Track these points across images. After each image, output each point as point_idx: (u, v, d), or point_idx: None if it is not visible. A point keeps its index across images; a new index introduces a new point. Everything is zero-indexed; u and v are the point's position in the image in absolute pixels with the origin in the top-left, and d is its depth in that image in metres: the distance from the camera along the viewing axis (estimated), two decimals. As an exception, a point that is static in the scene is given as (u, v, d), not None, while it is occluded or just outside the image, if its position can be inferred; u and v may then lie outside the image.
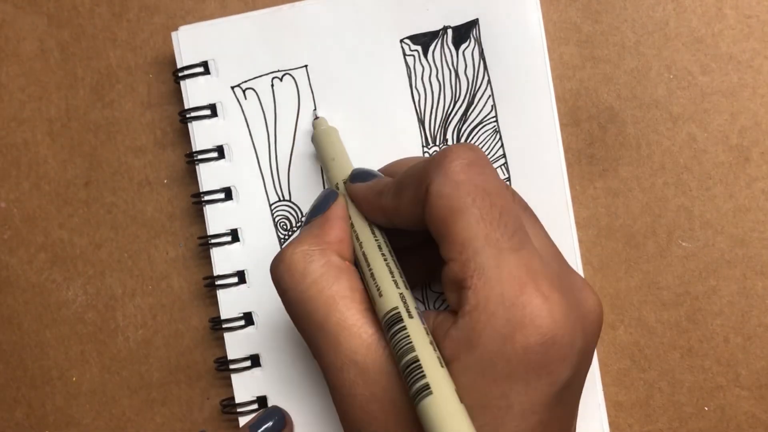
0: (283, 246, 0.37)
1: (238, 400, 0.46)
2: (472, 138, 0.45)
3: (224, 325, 0.46)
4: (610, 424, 0.45)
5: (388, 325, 0.33)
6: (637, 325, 0.45)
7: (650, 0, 0.45)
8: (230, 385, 0.46)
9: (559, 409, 0.32)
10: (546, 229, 0.37)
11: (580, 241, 0.45)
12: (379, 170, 0.41)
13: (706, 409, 0.45)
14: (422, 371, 0.31)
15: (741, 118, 0.44)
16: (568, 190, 0.44)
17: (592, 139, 0.45)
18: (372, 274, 0.36)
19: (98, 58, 0.48)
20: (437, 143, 0.45)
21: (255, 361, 0.46)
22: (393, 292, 0.34)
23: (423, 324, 0.33)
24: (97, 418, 0.48)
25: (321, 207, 0.39)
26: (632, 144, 0.45)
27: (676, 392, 0.45)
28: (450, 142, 0.45)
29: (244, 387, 0.46)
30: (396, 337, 0.33)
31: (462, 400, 0.31)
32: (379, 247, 0.37)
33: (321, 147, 0.43)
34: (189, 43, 0.46)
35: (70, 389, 0.48)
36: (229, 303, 0.46)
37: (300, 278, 0.36)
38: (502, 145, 0.45)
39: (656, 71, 0.45)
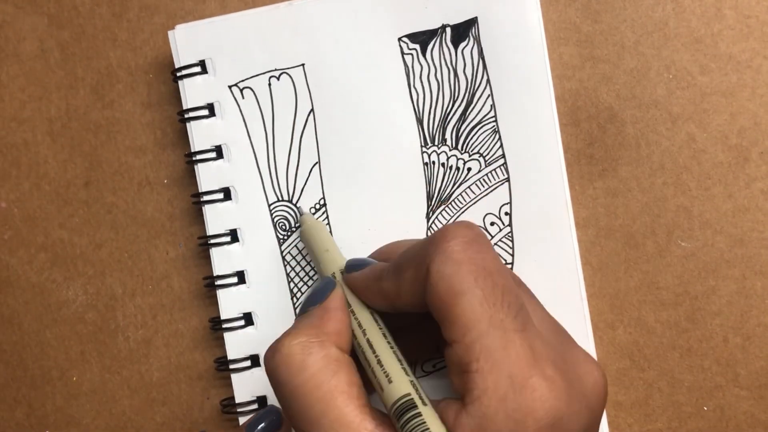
0: (278, 336, 0.36)
1: (238, 400, 0.46)
2: (472, 137, 0.45)
3: (224, 325, 0.46)
4: (610, 423, 0.45)
5: (400, 413, 0.33)
6: (636, 325, 0.45)
7: (650, 0, 0.45)
8: (230, 385, 0.46)
9: None
10: (541, 303, 0.37)
11: (580, 241, 0.45)
12: (370, 255, 0.41)
13: (706, 408, 0.45)
14: None
15: (740, 118, 0.44)
16: (568, 190, 0.44)
17: (591, 139, 0.45)
18: (379, 361, 0.35)
19: (98, 58, 0.48)
20: (436, 143, 0.45)
21: (255, 360, 0.46)
22: (404, 379, 0.34)
23: (435, 411, 0.33)
24: (97, 418, 0.48)
25: (318, 296, 0.38)
26: (632, 144, 0.45)
27: (676, 392, 0.45)
28: (449, 142, 0.45)
29: (244, 387, 0.46)
30: (410, 424, 0.32)
31: None
32: (384, 335, 0.36)
33: (311, 240, 0.43)
34: (186, 41, 0.46)
35: (71, 389, 0.48)
36: (229, 303, 0.46)
37: (297, 371, 0.34)
38: (501, 145, 0.45)
39: (656, 71, 0.45)
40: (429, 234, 0.45)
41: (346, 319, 0.37)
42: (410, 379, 0.34)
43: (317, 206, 0.46)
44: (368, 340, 0.36)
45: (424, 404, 0.33)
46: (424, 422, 0.32)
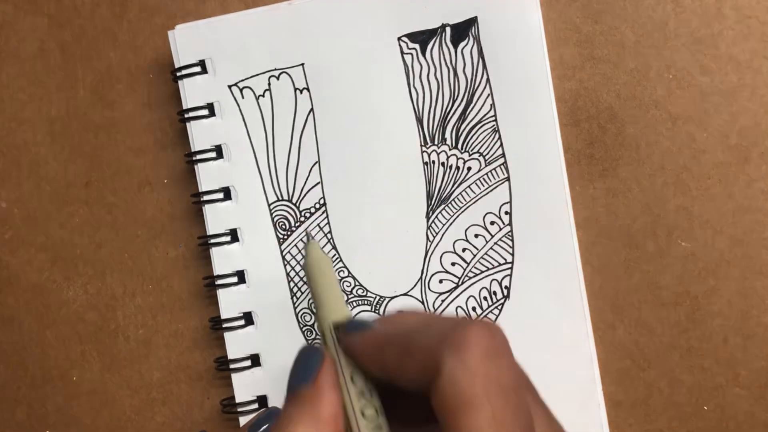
0: (273, 427, 0.35)
1: (238, 400, 0.46)
2: (472, 137, 0.45)
3: (224, 325, 0.46)
4: (610, 423, 0.45)
5: None
6: (636, 324, 0.45)
7: (650, 0, 0.45)
8: (230, 385, 0.46)
9: None
10: (546, 406, 0.36)
11: (580, 241, 0.45)
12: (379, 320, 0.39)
13: (706, 408, 0.45)
14: None
15: (740, 118, 0.44)
16: (568, 190, 0.44)
17: (591, 139, 0.45)
18: None
19: (98, 58, 0.48)
20: (436, 142, 0.45)
21: (255, 360, 0.46)
22: None
23: None
24: (97, 418, 0.48)
25: (307, 372, 0.36)
26: (632, 144, 0.45)
27: (676, 392, 0.45)
28: (449, 142, 0.45)
29: (244, 387, 0.46)
30: None
31: None
32: (376, 410, 0.35)
33: (312, 279, 0.42)
34: (186, 41, 0.46)
35: (71, 389, 0.48)
36: (229, 303, 0.46)
37: None
38: (501, 145, 0.45)
39: (656, 71, 0.45)
40: (428, 234, 0.45)
41: (339, 400, 0.35)
42: None
43: (317, 206, 0.46)
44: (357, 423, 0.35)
45: None
46: None
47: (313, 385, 0.35)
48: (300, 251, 0.46)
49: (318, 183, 0.46)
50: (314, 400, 0.35)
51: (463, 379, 0.31)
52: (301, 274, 0.46)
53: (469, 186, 0.45)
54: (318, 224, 0.46)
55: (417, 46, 0.45)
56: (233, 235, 0.46)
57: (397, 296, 0.45)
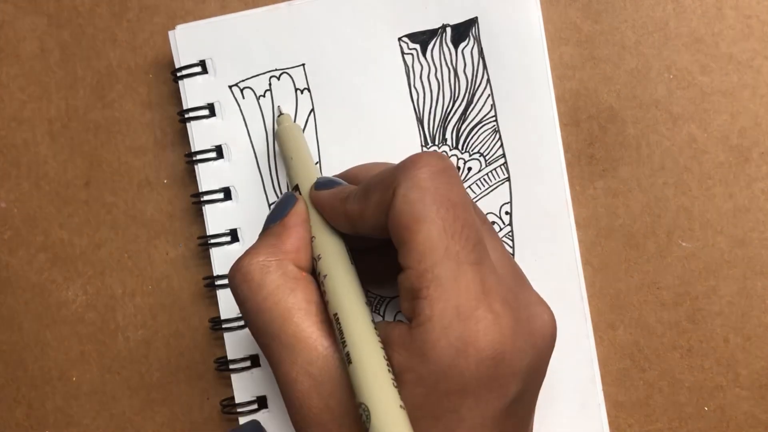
0: (240, 255, 0.37)
1: (238, 400, 0.46)
2: (472, 137, 0.45)
3: (224, 325, 0.46)
4: (610, 424, 0.45)
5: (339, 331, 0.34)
6: (637, 325, 0.45)
7: (650, 0, 0.45)
8: (230, 385, 0.46)
9: (509, 423, 0.33)
10: (503, 242, 0.38)
11: (580, 241, 0.45)
12: (337, 175, 0.41)
13: (706, 409, 0.45)
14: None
15: (741, 118, 0.44)
16: (568, 190, 0.44)
17: (592, 139, 0.45)
18: (334, 290, 0.35)
19: (98, 58, 0.48)
20: (436, 143, 0.45)
21: (255, 361, 0.46)
22: (356, 308, 0.34)
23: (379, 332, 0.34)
24: (97, 418, 0.48)
25: (279, 213, 0.39)
26: (632, 144, 0.45)
27: (676, 392, 0.45)
28: (449, 142, 0.45)
29: (244, 387, 0.46)
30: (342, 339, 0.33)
31: (413, 411, 0.31)
32: (344, 259, 0.36)
33: (283, 145, 0.43)
34: (186, 41, 0.46)
35: (70, 389, 0.48)
36: (229, 303, 0.46)
37: (257, 289, 0.36)
38: (501, 145, 0.45)
39: (656, 71, 0.45)
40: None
41: (305, 235, 0.38)
42: (363, 307, 0.34)
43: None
44: (325, 268, 0.36)
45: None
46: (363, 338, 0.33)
47: (281, 222, 0.38)
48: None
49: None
50: (280, 234, 0.37)
51: (415, 197, 0.33)
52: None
53: (469, 186, 0.45)
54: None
55: (417, 46, 0.45)
56: (233, 235, 0.46)
57: (397, 296, 0.45)
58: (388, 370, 0.32)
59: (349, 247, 0.38)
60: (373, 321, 0.34)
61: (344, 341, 0.33)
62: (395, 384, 0.32)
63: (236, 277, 0.36)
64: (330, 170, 0.46)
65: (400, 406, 0.31)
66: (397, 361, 0.32)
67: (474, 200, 0.45)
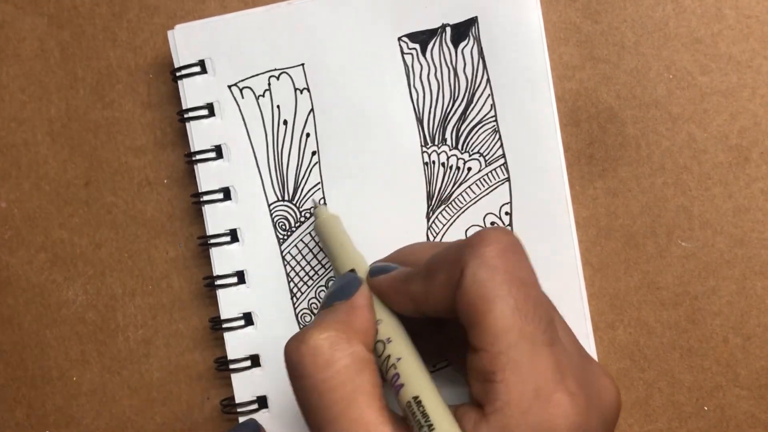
0: (302, 328, 0.35)
1: (238, 400, 0.46)
2: (472, 137, 0.45)
3: (224, 325, 0.46)
4: (610, 424, 0.45)
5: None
6: (636, 325, 0.45)
7: (650, 0, 0.45)
8: (230, 385, 0.46)
9: None
10: (563, 318, 0.37)
11: (580, 241, 0.45)
12: (385, 259, 0.40)
13: (706, 408, 0.45)
14: None
15: (740, 118, 0.44)
16: (568, 190, 0.44)
17: (591, 139, 0.45)
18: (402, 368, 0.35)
19: (98, 58, 0.48)
20: (436, 143, 0.45)
21: (255, 361, 0.46)
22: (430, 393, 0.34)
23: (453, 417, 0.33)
24: (97, 418, 0.48)
25: (345, 292, 0.37)
26: (632, 144, 0.45)
27: (676, 392, 0.45)
28: (449, 142, 0.45)
29: (244, 387, 0.46)
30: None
31: None
32: (407, 341, 0.36)
33: (328, 234, 0.43)
34: (185, 41, 0.46)
35: (70, 389, 0.48)
36: (229, 303, 0.46)
37: (323, 366, 0.33)
38: (501, 145, 0.45)
39: (656, 71, 0.45)
40: (428, 234, 0.45)
41: (372, 318, 0.36)
42: (438, 391, 0.34)
43: (317, 206, 0.46)
44: (398, 351, 0.35)
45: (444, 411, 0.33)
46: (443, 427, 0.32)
47: (349, 301, 0.36)
48: (300, 251, 0.46)
49: (318, 183, 0.46)
50: (348, 312, 0.36)
51: (485, 276, 0.32)
52: (301, 274, 0.46)
53: (469, 186, 0.45)
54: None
55: (417, 46, 0.45)
56: (233, 236, 0.46)
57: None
58: None
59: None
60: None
61: (431, 425, 0.32)
62: None
63: (300, 350, 0.34)
64: (330, 170, 0.46)
65: None
66: None
67: (474, 201, 0.45)
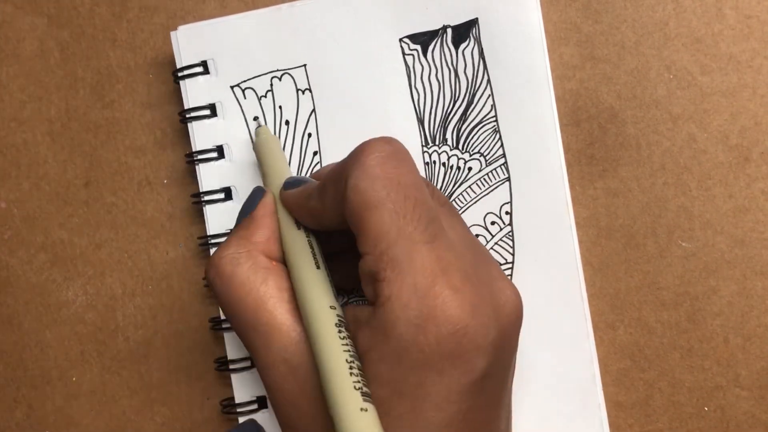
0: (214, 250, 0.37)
1: (238, 400, 0.46)
2: (472, 137, 0.45)
3: (224, 325, 0.46)
4: (610, 424, 0.45)
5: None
6: (637, 325, 0.45)
7: (650, 0, 0.45)
8: (230, 385, 0.46)
9: (480, 399, 0.33)
10: (465, 221, 0.38)
11: (580, 241, 0.45)
12: (311, 176, 0.42)
13: (706, 409, 0.45)
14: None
15: (741, 118, 0.44)
16: (568, 190, 0.44)
17: (592, 140, 0.45)
18: (302, 287, 0.36)
19: (98, 58, 0.48)
20: (437, 143, 0.45)
21: (255, 361, 0.46)
22: (322, 305, 0.35)
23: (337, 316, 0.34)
24: (97, 418, 0.48)
25: (248, 207, 0.40)
26: (632, 144, 0.45)
27: (676, 392, 0.45)
28: (449, 142, 0.45)
29: (244, 387, 0.46)
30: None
31: (379, 388, 0.32)
32: (313, 255, 0.37)
33: (262, 154, 0.44)
34: (188, 42, 0.46)
35: (70, 389, 0.48)
36: (229, 303, 0.46)
37: (228, 282, 0.37)
38: (501, 145, 0.45)
39: (656, 71, 0.45)
40: None
41: (274, 226, 0.39)
42: (325, 302, 0.35)
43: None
44: (293, 263, 0.37)
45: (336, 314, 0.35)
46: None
47: (250, 215, 0.39)
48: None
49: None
50: (249, 226, 0.38)
51: (364, 185, 0.33)
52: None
53: (469, 186, 0.45)
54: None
55: (418, 47, 0.45)
56: (233, 235, 0.46)
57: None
58: (350, 369, 0.32)
59: (331, 250, 0.38)
60: (336, 308, 0.35)
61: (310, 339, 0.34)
62: (360, 384, 0.32)
63: (209, 273, 0.37)
64: (330, 170, 0.46)
65: (361, 409, 0.31)
66: (361, 342, 0.33)
67: (474, 200, 0.45)
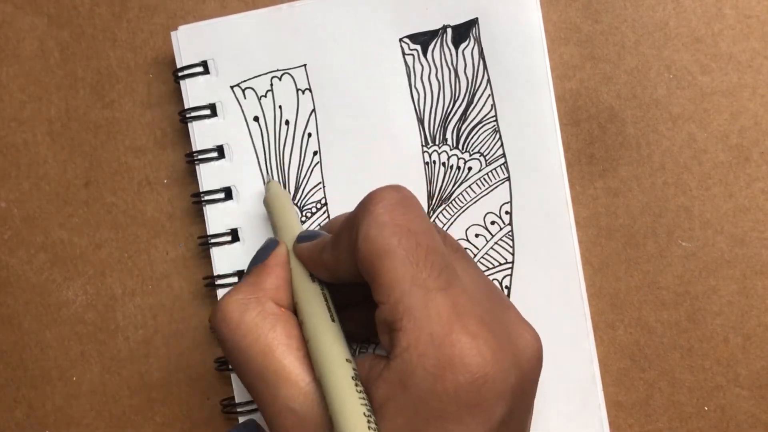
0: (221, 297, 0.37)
1: (238, 400, 0.46)
2: (472, 137, 0.45)
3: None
4: (610, 424, 0.45)
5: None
6: (637, 324, 0.45)
7: (650, 0, 0.45)
8: (230, 385, 0.46)
9: None
10: (479, 267, 0.38)
11: (580, 241, 0.45)
12: (322, 227, 0.42)
13: (706, 409, 0.45)
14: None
15: (741, 118, 0.45)
16: (568, 190, 0.45)
17: (592, 139, 0.45)
18: (315, 340, 0.36)
19: (98, 58, 0.48)
20: (437, 143, 0.45)
21: (255, 361, 0.46)
22: (337, 359, 0.35)
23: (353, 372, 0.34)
24: (97, 418, 0.48)
25: (261, 257, 0.39)
26: (632, 144, 0.45)
27: (676, 392, 0.45)
28: (449, 142, 0.45)
29: (244, 387, 0.46)
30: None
31: None
32: (328, 309, 0.37)
33: (272, 208, 0.43)
34: (188, 42, 0.46)
35: (70, 389, 0.48)
36: (229, 302, 0.46)
37: (235, 328, 0.36)
38: (501, 145, 0.45)
39: (656, 71, 0.45)
40: None
41: (284, 275, 0.38)
42: (345, 358, 0.34)
43: (318, 206, 0.46)
44: (308, 314, 0.37)
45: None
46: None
47: (262, 264, 0.39)
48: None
49: (319, 183, 0.46)
50: (260, 273, 0.38)
51: (375, 233, 0.33)
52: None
53: (469, 186, 0.45)
54: (319, 224, 0.46)
55: (418, 47, 0.45)
56: (234, 235, 0.46)
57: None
58: (368, 424, 0.32)
59: (340, 302, 0.38)
60: (351, 361, 0.34)
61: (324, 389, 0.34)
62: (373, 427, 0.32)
63: (215, 317, 0.37)
64: (331, 171, 0.46)
65: None
66: (377, 394, 0.32)
67: (474, 200, 0.45)
